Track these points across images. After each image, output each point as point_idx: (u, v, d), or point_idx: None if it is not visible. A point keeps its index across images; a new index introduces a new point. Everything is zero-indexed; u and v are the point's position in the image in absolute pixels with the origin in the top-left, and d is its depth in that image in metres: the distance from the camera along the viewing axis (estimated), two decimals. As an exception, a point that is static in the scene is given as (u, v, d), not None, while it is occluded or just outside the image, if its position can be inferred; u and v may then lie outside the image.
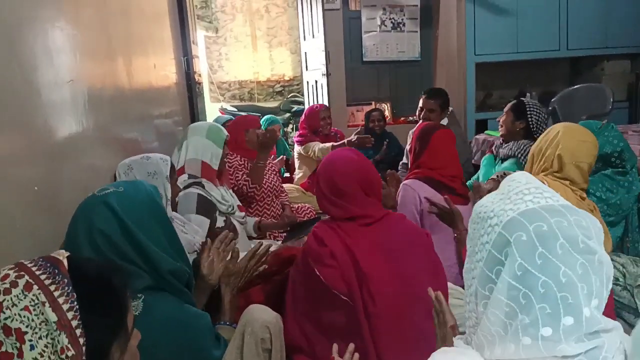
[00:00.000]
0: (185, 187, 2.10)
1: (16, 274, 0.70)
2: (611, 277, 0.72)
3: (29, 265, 0.73)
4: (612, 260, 1.69)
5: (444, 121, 3.48)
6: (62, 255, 0.76)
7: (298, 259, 1.58)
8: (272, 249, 2.37)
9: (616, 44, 4.89)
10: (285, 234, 2.68)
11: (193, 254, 1.76)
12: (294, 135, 4.17)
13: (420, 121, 3.38)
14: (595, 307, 0.69)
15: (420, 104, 3.38)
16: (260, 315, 1.36)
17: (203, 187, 2.15)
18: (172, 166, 1.83)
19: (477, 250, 0.77)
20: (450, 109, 3.77)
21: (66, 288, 0.71)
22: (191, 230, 1.94)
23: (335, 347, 1.13)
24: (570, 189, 1.75)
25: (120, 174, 1.76)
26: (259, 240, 1.66)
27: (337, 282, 1.41)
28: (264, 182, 2.88)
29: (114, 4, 2.06)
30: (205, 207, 2.08)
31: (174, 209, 1.89)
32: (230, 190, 2.44)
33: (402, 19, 5.13)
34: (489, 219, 0.76)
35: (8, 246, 1.08)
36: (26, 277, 0.70)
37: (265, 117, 4.45)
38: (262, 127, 3.90)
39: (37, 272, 0.71)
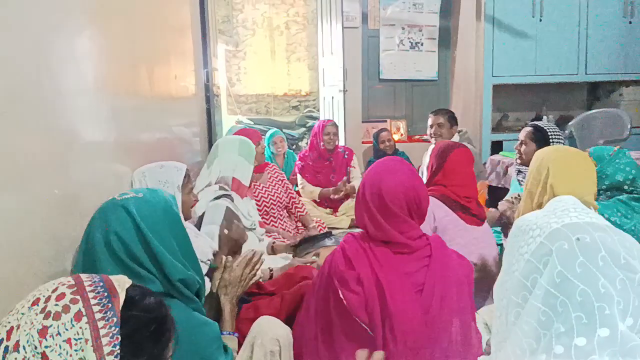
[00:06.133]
0: (216, 198, 2.13)
1: (72, 296, 0.69)
2: None
3: (87, 286, 0.71)
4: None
5: (455, 138, 3.52)
6: (123, 286, 0.74)
7: (320, 274, 1.49)
8: (280, 262, 2.40)
9: (635, 69, 4.87)
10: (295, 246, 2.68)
11: (205, 262, 1.77)
12: (300, 152, 4.22)
13: (433, 139, 3.44)
14: (630, 326, 0.68)
15: (429, 121, 3.54)
16: (271, 328, 1.36)
17: (232, 200, 2.18)
18: (187, 175, 1.85)
19: (514, 261, 0.77)
20: (464, 129, 3.81)
21: (112, 328, 0.69)
22: (203, 240, 1.95)
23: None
24: None
25: (135, 181, 1.80)
26: (251, 248, 1.66)
27: (360, 311, 1.33)
28: (266, 194, 2.91)
29: (140, 16, 2.12)
30: (231, 220, 2.10)
31: (187, 217, 1.90)
32: (254, 202, 2.46)
33: (421, 39, 5.17)
34: (530, 231, 0.76)
35: (28, 248, 1.10)
36: (79, 304, 0.69)
37: (271, 131, 4.49)
38: (266, 140, 4.01)
39: (92, 301, 0.70)
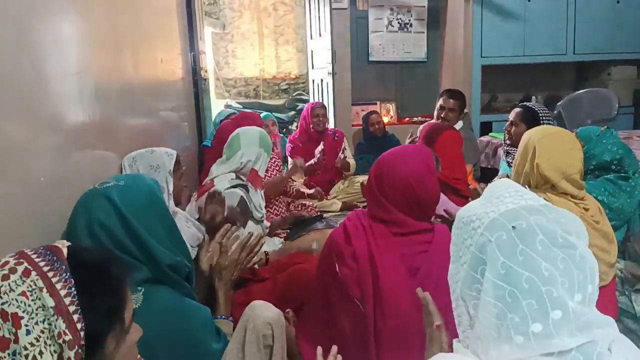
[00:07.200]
0: (233, 187, 2.15)
1: (15, 260, 0.72)
2: (596, 272, 0.72)
3: (29, 253, 0.74)
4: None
5: (459, 124, 3.46)
6: (63, 244, 0.77)
7: (323, 248, 1.51)
8: (273, 246, 2.40)
9: (623, 49, 4.89)
10: (288, 230, 2.69)
11: (196, 247, 1.77)
12: (290, 135, 4.21)
13: (437, 120, 3.36)
14: (579, 301, 0.70)
15: (441, 102, 3.35)
16: (263, 312, 1.36)
17: (247, 191, 2.18)
18: (178, 161, 1.84)
19: (462, 254, 0.78)
20: (466, 111, 3.73)
21: (64, 274, 0.72)
22: (195, 225, 1.95)
23: (319, 349, 1.13)
24: (572, 202, 1.69)
25: (125, 166, 1.78)
26: (249, 232, 1.66)
27: (353, 286, 1.35)
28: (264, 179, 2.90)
29: (123, -2, 2.07)
30: (243, 210, 2.12)
31: (178, 203, 1.89)
32: (262, 193, 2.46)
33: (409, 20, 5.13)
34: (471, 223, 0.77)
35: (13, 237, 1.08)
36: (25, 263, 0.71)
37: (262, 114, 4.47)
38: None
39: (37, 260, 0.72)
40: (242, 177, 2.26)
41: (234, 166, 2.27)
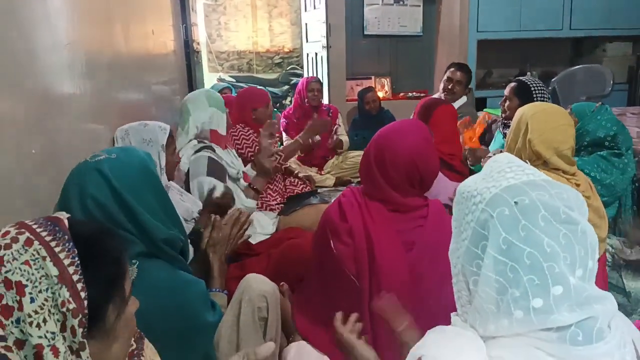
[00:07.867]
0: (196, 152, 2.11)
1: (17, 230, 0.71)
2: (596, 247, 0.72)
3: (30, 223, 0.73)
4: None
5: (463, 99, 3.46)
6: (63, 215, 0.77)
7: (318, 226, 1.50)
8: (266, 220, 2.41)
9: (619, 25, 4.87)
10: (282, 205, 2.69)
11: (191, 222, 1.77)
12: (284, 111, 4.19)
13: (443, 94, 3.36)
14: (580, 277, 0.70)
15: (449, 74, 3.40)
16: (258, 285, 1.37)
17: (214, 151, 2.15)
18: (171, 135, 1.82)
19: (462, 229, 0.78)
20: (470, 87, 3.73)
21: (67, 244, 0.71)
22: (189, 199, 1.94)
23: (338, 314, 1.16)
24: (564, 178, 1.70)
25: (117, 139, 1.76)
26: (238, 208, 1.65)
27: (349, 261, 1.36)
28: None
29: (112, -33, 2.01)
30: (216, 169, 2.08)
31: (171, 177, 1.89)
32: (235, 152, 2.43)
33: (405, -7, 5.05)
34: (472, 198, 0.77)
35: (6, 209, 1.08)
36: (27, 233, 0.71)
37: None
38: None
39: (38, 230, 0.72)
40: (205, 141, 2.23)
41: (192, 133, 2.24)
